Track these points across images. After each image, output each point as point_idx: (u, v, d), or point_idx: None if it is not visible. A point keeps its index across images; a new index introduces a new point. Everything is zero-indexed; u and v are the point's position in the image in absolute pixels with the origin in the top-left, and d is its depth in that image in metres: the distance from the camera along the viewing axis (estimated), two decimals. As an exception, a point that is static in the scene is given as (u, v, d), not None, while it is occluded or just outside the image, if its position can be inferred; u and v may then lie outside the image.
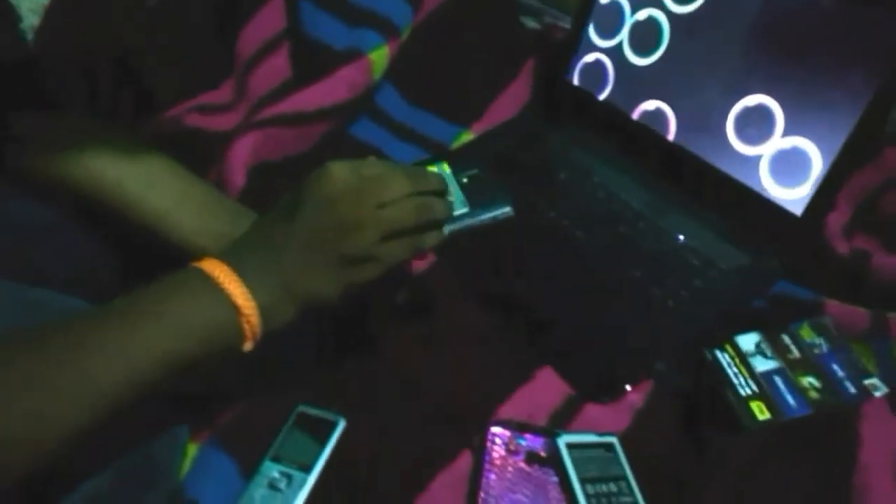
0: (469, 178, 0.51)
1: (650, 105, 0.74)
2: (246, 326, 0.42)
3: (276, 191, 0.69)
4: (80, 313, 0.41)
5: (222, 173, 0.68)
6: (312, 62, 0.76)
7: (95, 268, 0.58)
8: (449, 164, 0.52)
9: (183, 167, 0.57)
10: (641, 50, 0.75)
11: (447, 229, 0.49)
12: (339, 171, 0.44)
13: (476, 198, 0.50)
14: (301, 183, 0.45)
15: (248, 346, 0.43)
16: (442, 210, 0.48)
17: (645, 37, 0.74)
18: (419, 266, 0.66)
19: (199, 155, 0.67)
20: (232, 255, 0.44)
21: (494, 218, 0.49)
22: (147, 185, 0.54)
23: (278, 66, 0.76)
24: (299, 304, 0.44)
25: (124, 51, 0.65)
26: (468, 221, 0.49)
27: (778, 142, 0.64)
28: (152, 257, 0.58)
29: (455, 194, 0.50)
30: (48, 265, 0.55)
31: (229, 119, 0.74)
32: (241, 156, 0.68)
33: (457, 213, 0.50)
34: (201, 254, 0.53)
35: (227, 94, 0.77)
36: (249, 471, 0.51)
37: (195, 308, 0.41)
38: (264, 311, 0.43)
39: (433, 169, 0.51)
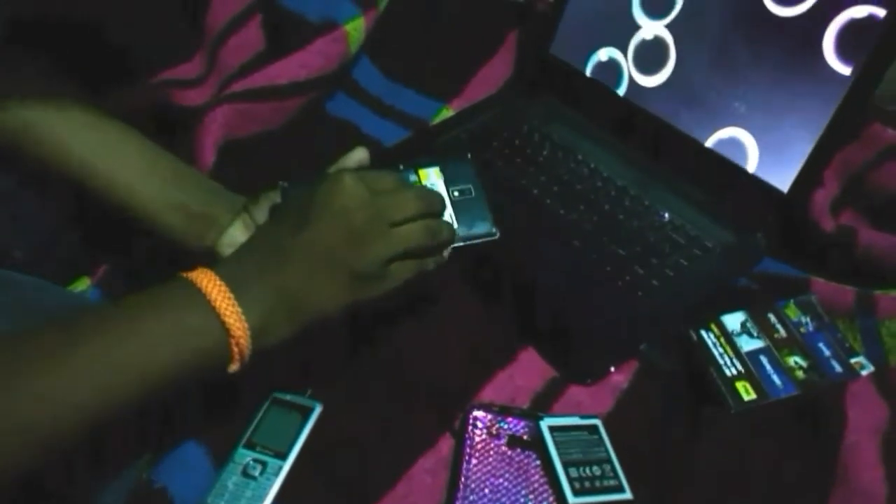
0: (460, 191, 0.51)
1: (637, 80, 0.72)
2: (235, 348, 0.40)
3: (248, 169, 0.67)
4: (54, 321, 0.38)
5: (192, 150, 0.66)
6: (286, 34, 0.74)
7: (54, 242, 0.56)
8: (442, 171, 0.52)
9: (148, 139, 0.54)
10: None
11: None
12: (353, 184, 0.43)
13: (464, 215, 0.50)
14: (311, 192, 0.43)
15: (234, 367, 0.41)
16: (449, 234, 0.48)
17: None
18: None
19: (168, 130, 0.65)
20: (227, 267, 0.41)
21: (480, 240, 0.50)
22: (111, 156, 0.51)
23: (250, 37, 0.74)
24: (298, 321, 0.42)
25: (94, 19, 0.62)
26: (455, 241, 0.49)
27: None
28: (113, 231, 0.56)
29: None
30: (5, 238, 0.52)
31: (200, 93, 0.71)
32: (211, 132, 0.66)
33: None
34: (168, 230, 0.51)
35: (199, 66, 0.74)
36: (222, 458, 0.50)
37: (178, 327, 0.39)
38: (256, 331, 0.40)
39: (426, 172, 0.52)
